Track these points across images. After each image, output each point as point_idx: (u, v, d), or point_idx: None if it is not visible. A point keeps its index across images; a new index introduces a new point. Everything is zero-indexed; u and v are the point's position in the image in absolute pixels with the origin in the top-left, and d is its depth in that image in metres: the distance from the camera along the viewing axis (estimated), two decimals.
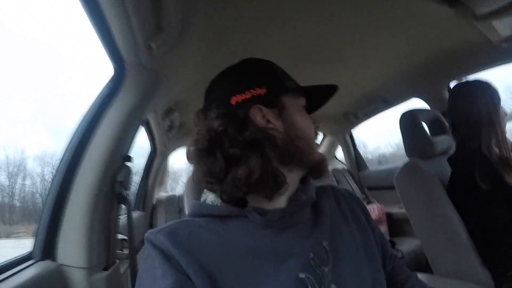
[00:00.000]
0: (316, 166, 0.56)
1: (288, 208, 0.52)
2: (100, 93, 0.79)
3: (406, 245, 1.55)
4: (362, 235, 0.57)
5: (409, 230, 1.66)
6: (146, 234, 0.47)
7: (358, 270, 0.52)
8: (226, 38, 0.95)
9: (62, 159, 0.73)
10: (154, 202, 1.81)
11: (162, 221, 1.68)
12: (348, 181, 2.10)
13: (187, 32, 0.77)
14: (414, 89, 1.43)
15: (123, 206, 0.84)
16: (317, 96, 0.63)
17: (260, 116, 0.52)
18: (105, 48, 0.70)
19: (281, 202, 0.53)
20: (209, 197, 0.53)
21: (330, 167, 2.28)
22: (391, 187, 1.80)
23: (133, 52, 0.72)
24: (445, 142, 1.18)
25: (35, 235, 0.70)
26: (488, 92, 0.96)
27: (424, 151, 1.15)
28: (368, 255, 0.55)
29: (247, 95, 0.53)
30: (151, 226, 1.73)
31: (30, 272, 0.60)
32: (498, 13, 0.77)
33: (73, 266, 0.65)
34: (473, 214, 0.96)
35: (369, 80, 1.48)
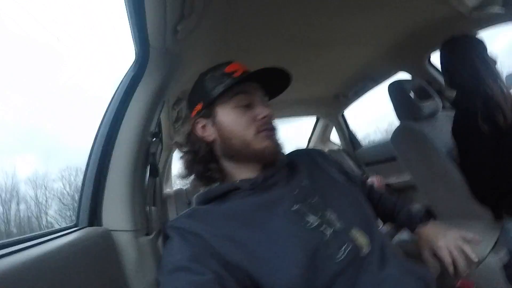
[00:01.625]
0: (260, 156, 0.65)
1: (266, 172, 0.66)
2: (126, 76, 0.87)
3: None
4: (335, 177, 0.71)
5: (408, 198, 1.80)
6: (167, 224, 0.60)
7: (343, 195, 0.65)
8: (234, 28, 1.06)
9: (98, 133, 0.80)
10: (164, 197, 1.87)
11: (174, 214, 1.74)
12: (345, 160, 2.22)
13: (206, 18, 0.87)
14: (398, 64, 1.57)
15: None
16: (270, 80, 0.70)
17: (199, 127, 0.70)
18: (133, 33, 0.78)
19: (260, 170, 0.67)
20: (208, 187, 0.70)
21: (326, 149, 2.40)
22: (387, 160, 1.96)
23: (160, 36, 0.81)
24: (431, 106, 1.33)
25: (78, 205, 0.75)
26: (475, 41, 1.11)
27: (413, 114, 1.29)
28: (345, 186, 0.69)
29: (193, 112, 0.71)
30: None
31: (76, 235, 0.60)
32: None
33: (119, 230, 0.70)
34: (473, 154, 1.06)
35: (356, 60, 1.61)
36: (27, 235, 0.57)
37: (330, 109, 2.17)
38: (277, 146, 0.66)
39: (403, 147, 1.30)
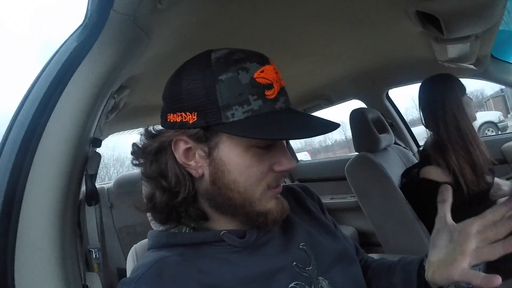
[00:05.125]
0: (256, 219, 0.47)
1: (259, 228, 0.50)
2: (63, 46, 0.56)
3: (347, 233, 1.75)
4: (323, 224, 0.61)
5: (342, 218, 1.89)
6: (122, 286, 0.43)
7: (337, 255, 0.55)
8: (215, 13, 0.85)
9: (5, 138, 0.48)
10: (80, 196, 1.45)
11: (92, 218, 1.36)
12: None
13: None
14: (357, 91, 1.62)
15: None
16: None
17: (182, 149, 0.46)
18: None
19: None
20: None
21: None
22: (321, 179, 2.02)
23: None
24: (387, 139, 1.39)
25: None
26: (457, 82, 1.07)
27: (372, 146, 1.32)
28: (336, 239, 0.59)
29: (177, 117, 0.45)
30: (79, 224, 1.39)
31: None
32: (459, 40, 0.95)
33: None
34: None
35: (317, 77, 1.58)
36: None
37: None
38: (282, 212, 0.49)
39: (359, 178, 1.32)
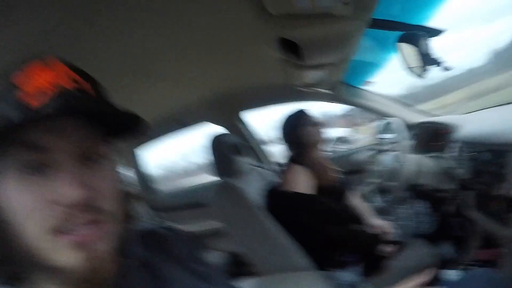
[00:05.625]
0: (59, 277, 0.36)
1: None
2: None
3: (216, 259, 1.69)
4: (195, 269, 0.54)
5: (212, 244, 1.84)
6: None
7: None
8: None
9: None
10: None
11: None
12: (139, 206, 1.95)
13: None
14: (212, 115, 1.65)
15: None
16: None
17: None
18: None
19: None
20: None
21: None
22: (186, 207, 1.90)
23: None
24: (245, 162, 1.43)
25: None
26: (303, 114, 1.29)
27: (231, 171, 1.36)
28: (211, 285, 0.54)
29: None
30: None
31: None
32: (316, 67, 1.02)
33: None
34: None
35: (170, 101, 1.52)
36: None
37: (123, 146, 1.84)
38: (93, 266, 0.36)
39: (222, 203, 1.30)
